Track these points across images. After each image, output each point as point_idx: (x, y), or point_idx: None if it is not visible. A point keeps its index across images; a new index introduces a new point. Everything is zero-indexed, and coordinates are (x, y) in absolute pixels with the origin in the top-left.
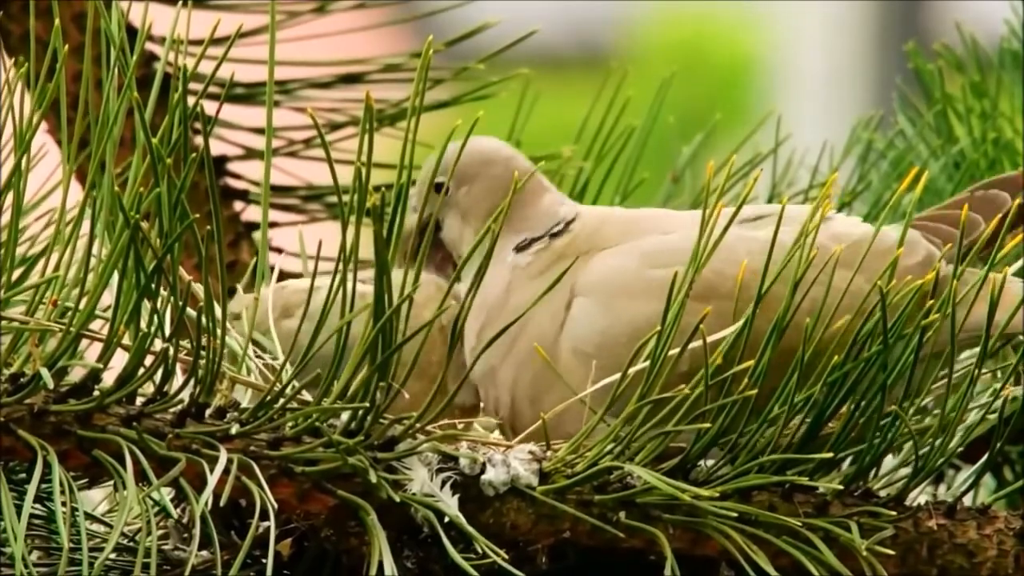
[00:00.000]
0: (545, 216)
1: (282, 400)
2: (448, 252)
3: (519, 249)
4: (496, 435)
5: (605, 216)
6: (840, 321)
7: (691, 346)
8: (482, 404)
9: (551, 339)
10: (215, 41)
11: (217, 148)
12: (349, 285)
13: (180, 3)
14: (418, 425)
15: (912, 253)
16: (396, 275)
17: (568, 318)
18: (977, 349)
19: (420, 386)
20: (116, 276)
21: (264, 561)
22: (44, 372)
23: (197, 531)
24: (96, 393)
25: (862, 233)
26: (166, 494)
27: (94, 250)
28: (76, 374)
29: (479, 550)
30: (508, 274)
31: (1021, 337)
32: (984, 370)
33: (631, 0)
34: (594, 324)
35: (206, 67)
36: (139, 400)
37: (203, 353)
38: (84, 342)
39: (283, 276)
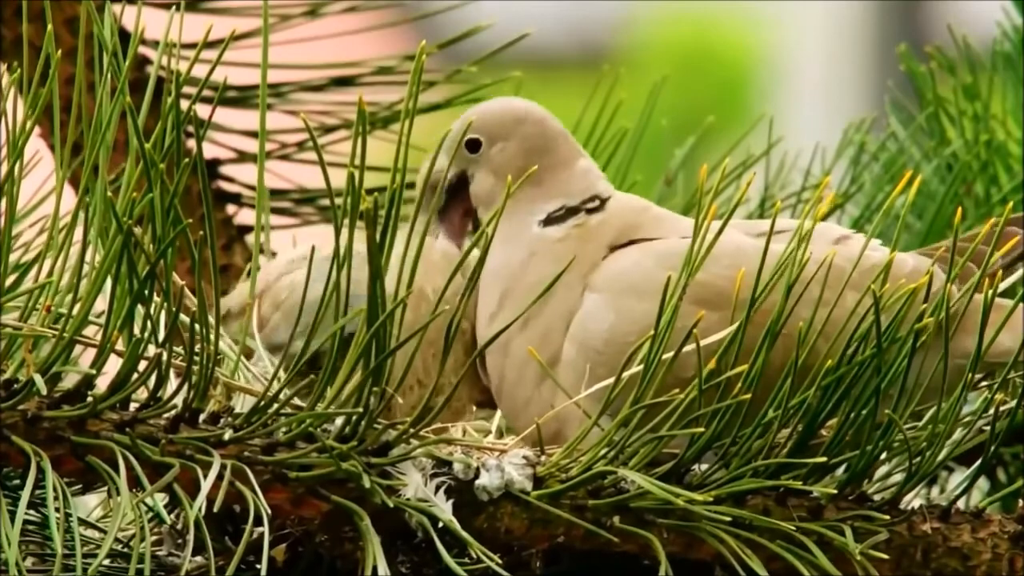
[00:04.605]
0: (582, 182)
1: (276, 405)
2: (468, 209)
3: (553, 219)
4: (491, 439)
5: (640, 209)
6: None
7: (686, 350)
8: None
9: (564, 327)
10: (208, 44)
11: (209, 151)
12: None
13: (173, 7)
14: (412, 430)
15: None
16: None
17: (580, 313)
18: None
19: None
20: (109, 282)
21: (258, 567)
22: (38, 378)
23: (191, 537)
24: (90, 399)
25: (878, 259)
26: (160, 500)
27: (87, 256)
28: (70, 380)
29: (473, 555)
30: (535, 242)
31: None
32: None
33: (630, 0)
34: (602, 320)
35: (199, 71)
36: (133, 406)
37: (196, 358)
38: (77, 348)
39: None
